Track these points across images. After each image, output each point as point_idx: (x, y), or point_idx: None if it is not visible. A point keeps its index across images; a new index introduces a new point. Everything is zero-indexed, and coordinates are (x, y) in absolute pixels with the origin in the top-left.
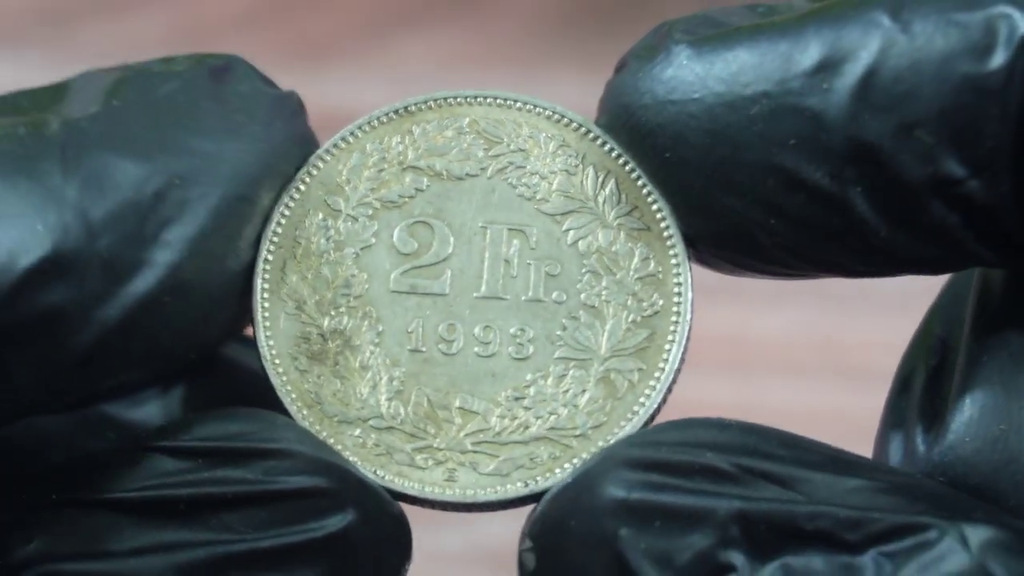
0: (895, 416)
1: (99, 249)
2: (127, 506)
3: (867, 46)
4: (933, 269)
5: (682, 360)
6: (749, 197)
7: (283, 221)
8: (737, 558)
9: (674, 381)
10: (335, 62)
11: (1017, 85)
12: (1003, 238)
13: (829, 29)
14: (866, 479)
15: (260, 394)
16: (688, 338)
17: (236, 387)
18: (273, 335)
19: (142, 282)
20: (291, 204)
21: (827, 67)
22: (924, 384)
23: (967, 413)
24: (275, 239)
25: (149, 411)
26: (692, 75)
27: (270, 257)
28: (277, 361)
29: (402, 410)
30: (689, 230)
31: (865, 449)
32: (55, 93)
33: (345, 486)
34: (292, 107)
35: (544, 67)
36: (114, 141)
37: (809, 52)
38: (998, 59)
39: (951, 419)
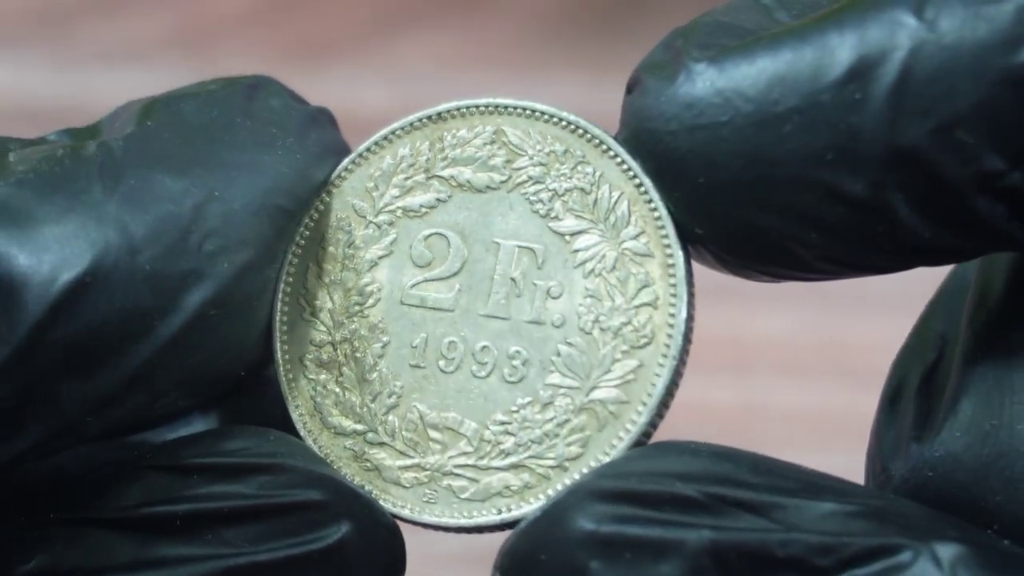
0: (890, 412)
1: (142, 263)
2: (124, 523)
3: (895, 49)
4: (969, 256)
5: (668, 394)
6: (788, 215)
7: (311, 224)
8: None
9: (659, 415)
10: (335, 62)
11: None
12: None
13: (852, 32)
14: (839, 503)
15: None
16: (679, 373)
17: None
18: (289, 340)
19: (188, 295)
20: (320, 207)
21: (857, 75)
22: (920, 380)
23: (959, 409)
24: (301, 242)
25: (193, 430)
26: (719, 97)
27: (295, 260)
28: (289, 367)
29: (397, 425)
30: (724, 252)
31: (864, 448)
32: (92, 127)
33: (340, 499)
34: (325, 121)
35: (544, 67)
36: (150, 158)
37: (837, 60)
38: None
39: (944, 415)
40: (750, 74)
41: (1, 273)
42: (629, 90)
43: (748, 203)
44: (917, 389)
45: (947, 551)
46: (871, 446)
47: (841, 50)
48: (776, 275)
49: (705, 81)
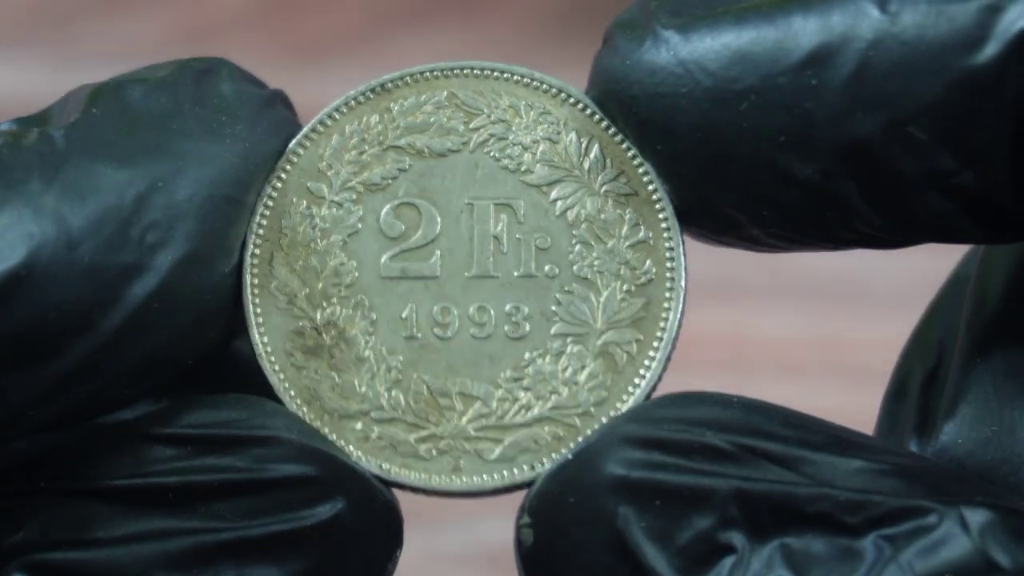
0: (890, 418)
1: (80, 256)
2: (116, 494)
3: (856, 39)
4: (921, 243)
5: (679, 327)
6: (741, 191)
7: (267, 213)
8: (737, 538)
9: (673, 348)
10: (335, 62)
11: (1011, 78)
12: (999, 219)
13: (816, 17)
14: (869, 460)
15: (259, 385)
16: (684, 302)
17: (237, 379)
18: (267, 331)
19: (130, 288)
20: (273, 195)
21: (815, 61)
22: (920, 386)
23: (960, 415)
24: (260, 232)
25: (143, 410)
26: (680, 67)
27: (257, 251)
28: (273, 358)
29: (402, 400)
30: (681, 214)
31: None
32: (43, 113)
33: (334, 474)
34: (278, 105)
35: (544, 67)
36: (93, 148)
37: (798, 44)
38: (990, 52)
39: (944, 421)
40: (713, 48)
41: None
42: (603, 43)
43: (703, 176)
44: (918, 393)
45: (975, 516)
46: None
47: (803, 34)
48: (727, 244)
49: (669, 50)
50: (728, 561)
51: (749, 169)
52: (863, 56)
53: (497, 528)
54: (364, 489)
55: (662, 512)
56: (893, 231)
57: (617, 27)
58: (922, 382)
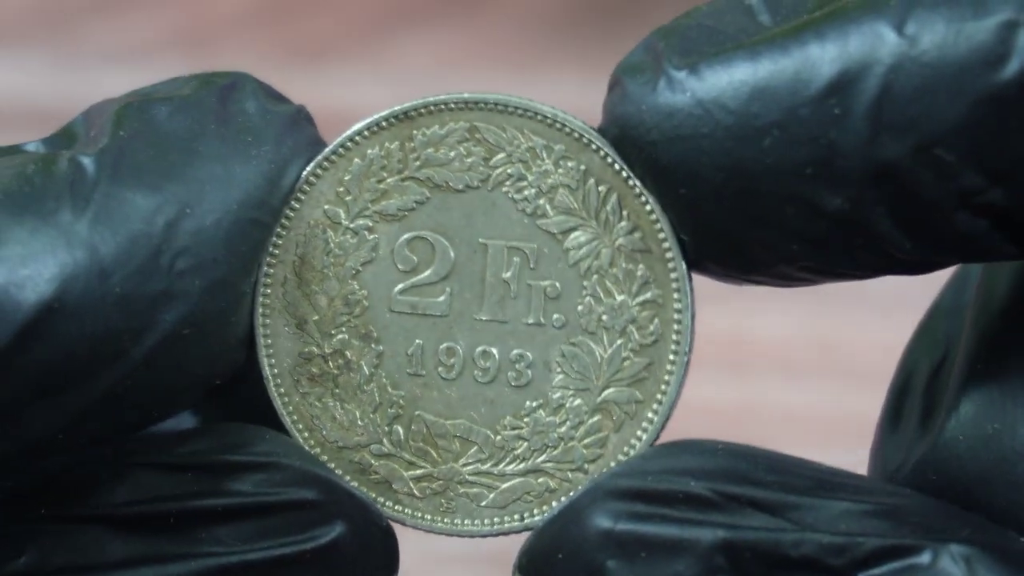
0: (895, 413)
1: (112, 286)
2: (116, 520)
3: (876, 64)
4: (950, 265)
5: (679, 391)
6: (769, 227)
7: (283, 233)
8: None
9: (671, 411)
10: (335, 62)
11: None
12: None
13: (833, 45)
14: (854, 502)
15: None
16: (687, 367)
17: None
18: (275, 354)
19: (161, 316)
20: (290, 214)
21: (837, 90)
22: (926, 382)
23: (962, 412)
24: (275, 251)
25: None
26: (699, 108)
27: (270, 271)
28: (279, 381)
29: (401, 436)
30: (706, 260)
31: (864, 449)
32: (67, 130)
33: (334, 498)
34: (302, 123)
35: (544, 67)
36: (122, 174)
37: (817, 74)
38: (1012, 68)
39: (947, 418)
40: (731, 85)
41: None
42: (610, 89)
43: (729, 215)
44: (923, 390)
45: (963, 551)
46: (875, 444)
47: (821, 63)
48: (757, 282)
49: (685, 91)
50: None
51: (776, 205)
52: (885, 81)
53: None
54: (363, 514)
55: (648, 564)
56: (924, 254)
57: (625, 72)
58: (928, 375)
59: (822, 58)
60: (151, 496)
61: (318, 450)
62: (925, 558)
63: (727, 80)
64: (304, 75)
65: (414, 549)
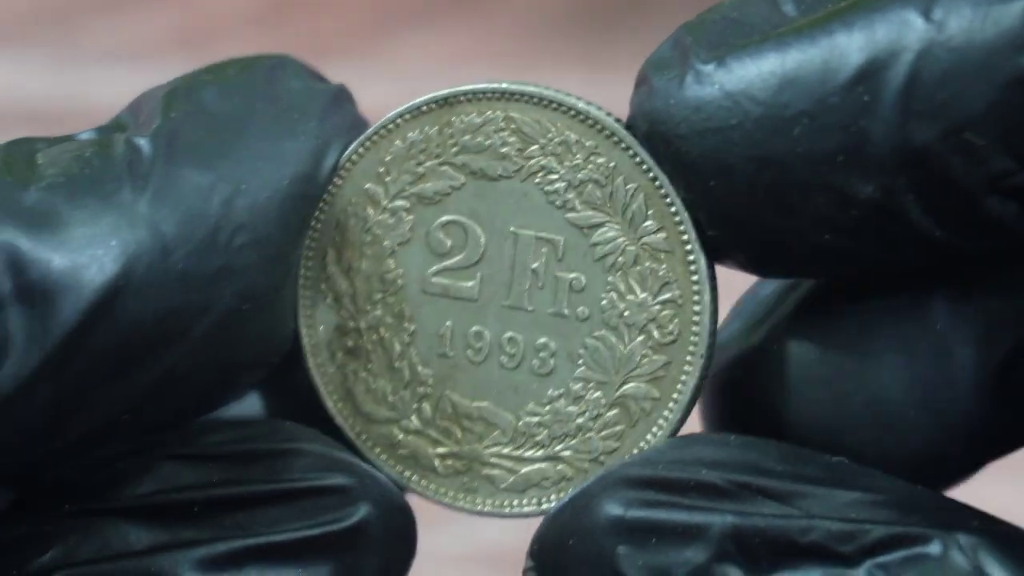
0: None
1: (174, 263)
2: (141, 512)
3: (904, 50)
4: (982, 255)
5: (698, 390)
6: (801, 217)
7: (325, 208)
8: (733, 573)
9: (689, 411)
10: (336, 62)
11: None
12: None
13: (860, 33)
14: (865, 491)
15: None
16: (707, 368)
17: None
18: (313, 326)
19: (221, 291)
20: (333, 191)
21: (866, 77)
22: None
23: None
24: (317, 226)
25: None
26: (728, 100)
27: (312, 244)
28: (316, 353)
29: (429, 414)
30: (737, 252)
31: None
32: (116, 120)
33: (358, 481)
34: (344, 101)
35: (547, 65)
36: (176, 153)
37: (845, 62)
38: None
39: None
40: (759, 76)
41: (36, 278)
42: (637, 86)
43: (761, 206)
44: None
45: (971, 540)
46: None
47: (849, 52)
48: (790, 274)
49: (713, 84)
50: None
51: (808, 194)
52: (913, 67)
53: (497, 529)
54: (386, 496)
55: (659, 550)
56: (954, 240)
57: (651, 68)
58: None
59: (850, 46)
60: (174, 487)
61: (351, 421)
62: (933, 547)
63: (755, 71)
64: None
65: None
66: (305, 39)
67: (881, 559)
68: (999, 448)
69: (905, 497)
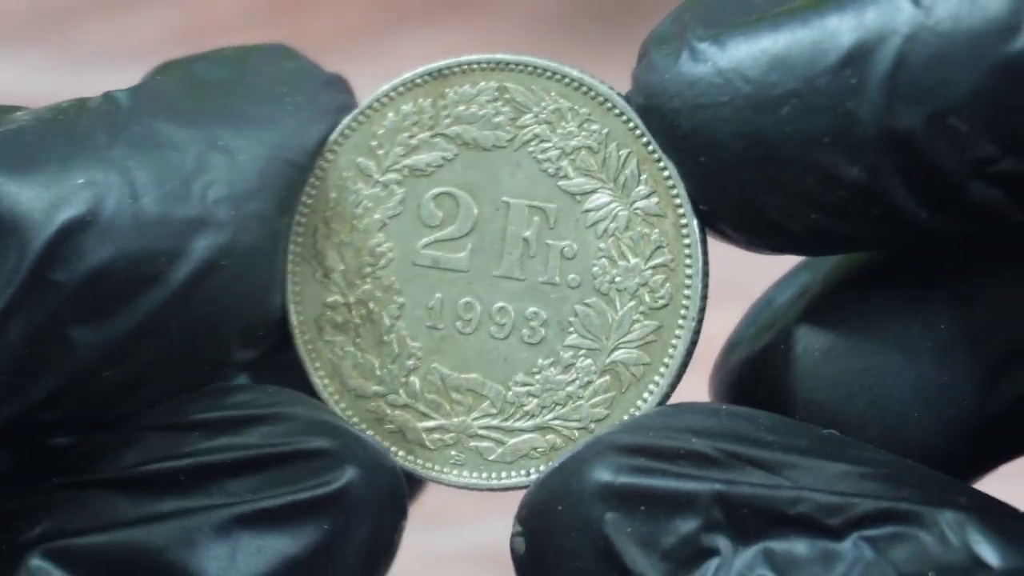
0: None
1: (145, 206)
2: (128, 483)
3: (892, 34)
4: (969, 240)
5: (688, 355)
6: (788, 195)
7: (316, 183)
8: (721, 542)
9: (679, 377)
10: (335, 62)
11: None
12: None
13: (851, 16)
14: (854, 464)
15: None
16: (697, 333)
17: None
18: (301, 301)
19: (195, 242)
20: (324, 166)
21: (854, 60)
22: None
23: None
24: (308, 200)
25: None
26: (720, 77)
27: (302, 220)
28: (304, 329)
29: (417, 387)
30: (726, 227)
31: None
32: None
33: (343, 444)
34: (339, 85)
35: None
36: (157, 108)
37: (835, 44)
38: None
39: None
40: (751, 55)
41: (3, 211)
42: (638, 60)
43: (749, 183)
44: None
45: (959, 516)
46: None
47: (839, 34)
48: (777, 250)
49: (707, 61)
50: (712, 564)
51: (795, 173)
52: (900, 51)
53: (496, 528)
54: (372, 458)
55: (647, 517)
56: (940, 224)
57: (652, 43)
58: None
59: (840, 28)
60: (160, 456)
61: (337, 397)
62: (921, 523)
63: (748, 50)
64: None
65: (413, 549)
66: (304, 39)
67: (868, 532)
68: (1004, 449)
69: (895, 471)
